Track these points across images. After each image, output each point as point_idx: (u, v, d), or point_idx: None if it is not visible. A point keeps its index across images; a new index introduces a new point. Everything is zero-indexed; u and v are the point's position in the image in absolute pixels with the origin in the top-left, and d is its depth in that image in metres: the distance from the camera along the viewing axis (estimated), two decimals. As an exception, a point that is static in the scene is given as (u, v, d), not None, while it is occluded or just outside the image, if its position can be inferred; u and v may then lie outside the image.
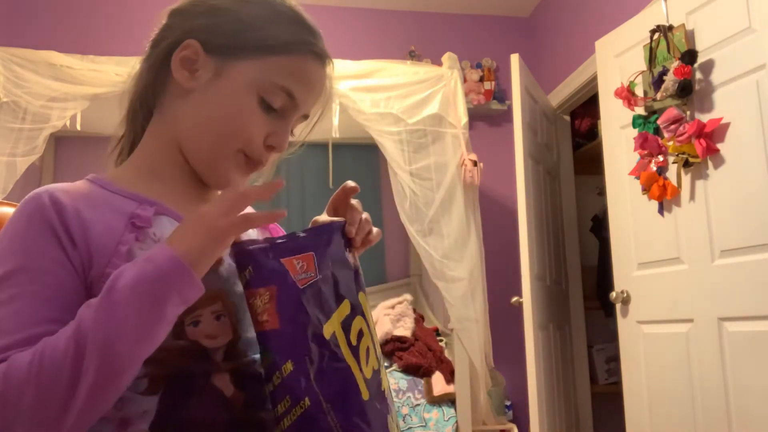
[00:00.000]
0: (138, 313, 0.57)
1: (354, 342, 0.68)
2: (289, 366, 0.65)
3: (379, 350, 0.72)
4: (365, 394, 0.66)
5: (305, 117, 0.80)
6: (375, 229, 0.77)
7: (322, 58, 0.76)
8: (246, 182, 0.79)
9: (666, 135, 2.15)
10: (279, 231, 0.87)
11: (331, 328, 0.67)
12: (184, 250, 0.60)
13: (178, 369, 0.66)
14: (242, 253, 0.68)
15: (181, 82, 0.73)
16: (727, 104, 1.97)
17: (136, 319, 0.57)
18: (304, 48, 0.74)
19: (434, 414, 2.62)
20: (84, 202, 0.68)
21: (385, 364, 2.76)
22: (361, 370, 0.67)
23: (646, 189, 2.23)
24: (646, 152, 2.22)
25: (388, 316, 3.04)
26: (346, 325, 0.68)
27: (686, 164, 2.07)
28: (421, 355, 2.80)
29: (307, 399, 0.64)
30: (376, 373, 0.69)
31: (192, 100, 0.74)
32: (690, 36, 2.09)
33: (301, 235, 0.69)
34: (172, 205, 0.74)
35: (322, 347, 0.66)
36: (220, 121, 0.73)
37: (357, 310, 0.69)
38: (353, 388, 0.66)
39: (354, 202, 0.75)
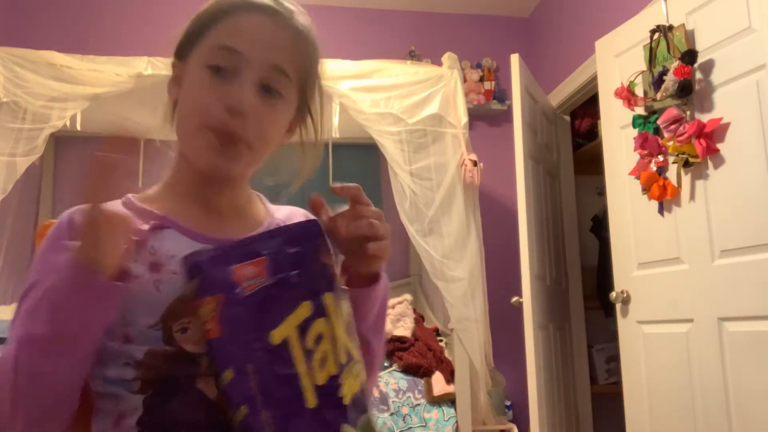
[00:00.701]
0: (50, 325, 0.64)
1: (310, 346, 0.67)
2: (228, 374, 0.65)
3: (344, 355, 0.68)
4: (311, 402, 0.65)
5: (278, 70, 0.75)
6: (382, 227, 0.74)
7: (252, 8, 0.76)
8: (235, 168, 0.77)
9: (666, 135, 2.15)
10: None
11: (282, 333, 0.66)
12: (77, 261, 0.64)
13: (166, 372, 0.70)
14: (191, 263, 0.68)
15: (174, 97, 0.81)
16: (727, 104, 1.97)
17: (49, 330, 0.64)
18: (231, 9, 0.76)
19: (434, 414, 2.62)
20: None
21: (385, 364, 2.76)
22: (311, 376, 0.66)
23: (646, 189, 2.24)
24: (646, 152, 2.22)
25: (388, 316, 3.04)
26: (303, 329, 0.67)
27: (686, 164, 2.07)
28: (421, 355, 2.80)
29: (243, 407, 0.65)
30: (334, 378, 0.67)
31: (178, 110, 0.81)
32: (690, 36, 2.09)
33: (258, 239, 0.70)
34: (185, 218, 0.77)
35: (266, 354, 0.65)
36: (183, 107, 0.78)
37: (319, 313, 0.68)
38: (297, 395, 0.65)
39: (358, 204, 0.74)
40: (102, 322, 0.67)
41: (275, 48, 0.75)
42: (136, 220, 0.73)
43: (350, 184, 0.73)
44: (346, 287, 0.73)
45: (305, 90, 0.81)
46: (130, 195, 0.80)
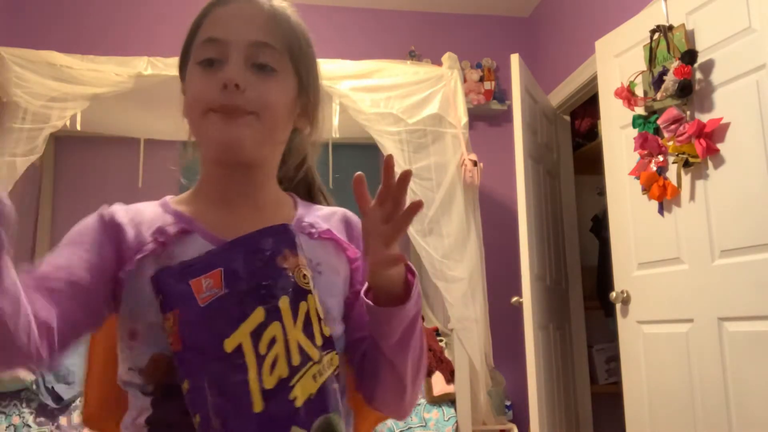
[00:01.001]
0: None
1: (263, 351, 0.68)
2: (185, 385, 0.68)
3: (297, 357, 0.68)
4: (258, 406, 0.66)
5: (261, 45, 0.77)
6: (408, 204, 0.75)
7: (228, 1, 0.80)
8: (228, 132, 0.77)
9: (666, 135, 2.15)
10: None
11: (236, 341, 0.68)
12: None
13: (166, 380, 0.73)
14: (155, 280, 0.71)
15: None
16: (727, 104, 1.97)
17: None
18: (209, 9, 0.81)
19: (434, 414, 2.62)
20: (133, 219, 0.79)
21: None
22: (261, 381, 0.67)
23: (646, 189, 2.24)
24: (646, 152, 2.22)
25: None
26: (256, 334, 0.68)
27: (686, 164, 2.07)
28: (421, 355, 2.79)
29: (197, 415, 0.67)
30: (284, 381, 0.67)
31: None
32: (690, 36, 2.09)
33: (218, 250, 0.72)
34: (211, 222, 0.80)
35: (219, 363, 0.67)
36: (187, 106, 0.80)
37: (274, 317, 0.69)
38: (246, 400, 0.66)
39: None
40: None
41: (254, 26, 0.78)
42: (166, 222, 0.78)
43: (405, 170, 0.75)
44: (371, 303, 0.75)
45: (299, 68, 0.81)
46: (167, 197, 0.85)
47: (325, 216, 0.86)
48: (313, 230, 0.82)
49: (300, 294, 0.71)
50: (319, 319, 0.72)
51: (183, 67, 0.84)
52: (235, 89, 0.74)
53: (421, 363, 0.81)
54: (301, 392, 0.67)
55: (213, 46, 0.77)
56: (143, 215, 0.80)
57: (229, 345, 0.68)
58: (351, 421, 0.83)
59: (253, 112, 0.75)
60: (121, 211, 0.80)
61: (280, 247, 0.72)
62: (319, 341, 0.71)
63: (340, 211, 0.88)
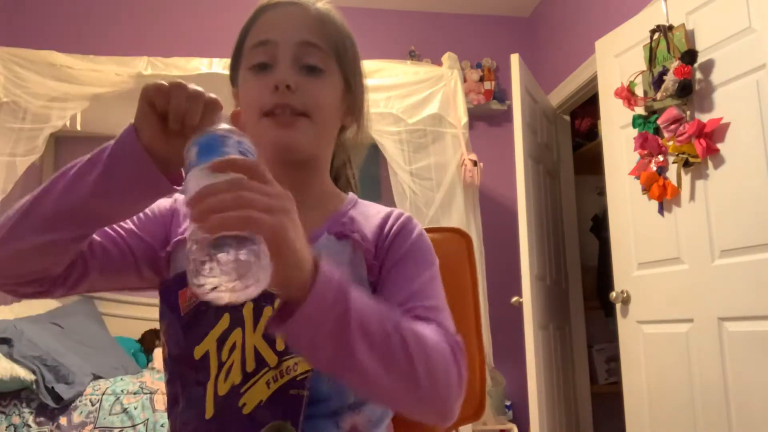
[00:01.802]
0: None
1: (224, 357, 0.68)
2: (167, 391, 0.73)
3: (252, 363, 0.67)
4: (209, 413, 0.66)
5: (309, 45, 0.79)
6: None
7: (274, 6, 0.83)
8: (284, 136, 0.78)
9: (666, 135, 2.15)
10: None
11: (203, 348, 0.69)
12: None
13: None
14: (159, 291, 0.75)
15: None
16: (727, 104, 1.97)
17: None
18: (257, 13, 0.84)
19: (434, 414, 2.62)
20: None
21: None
22: (216, 387, 0.67)
23: (646, 189, 2.24)
24: (646, 152, 2.22)
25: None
26: (221, 340, 0.69)
27: (686, 164, 2.07)
28: (421, 355, 2.79)
29: (176, 422, 0.71)
30: (236, 388, 0.66)
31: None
32: (690, 36, 2.09)
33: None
34: None
35: (191, 370, 0.69)
36: (245, 110, 0.81)
37: (237, 323, 0.69)
38: (202, 407, 0.67)
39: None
40: (119, 204, 0.66)
41: (302, 28, 0.80)
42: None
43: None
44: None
45: (345, 68, 0.84)
46: None
47: (369, 215, 0.85)
48: (339, 230, 0.82)
49: (266, 298, 0.68)
50: None
51: (234, 71, 0.86)
52: (287, 90, 0.76)
53: (410, 367, 0.63)
54: (250, 399, 0.66)
55: (263, 48, 0.79)
56: None
57: (198, 352, 0.69)
58: (385, 420, 0.80)
59: (305, 113, 0.78)
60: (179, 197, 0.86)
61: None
62: (280, 345, 0.69)
63: (393, 211, 0.87)
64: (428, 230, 1.03)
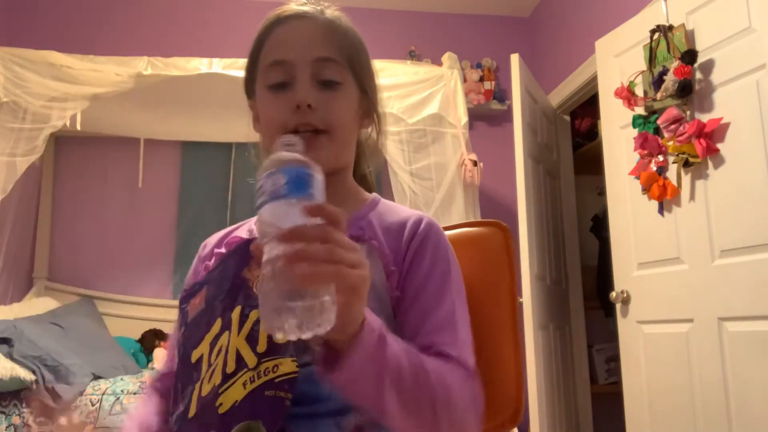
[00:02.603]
0: None
1: (213, 360, 0.71)
2: (174, 389, 0.77)
3: (233, 364, 0.68)
4: (192, 412, 0.69)
5: (325, 60, 0.81)
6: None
7: (285, 20, 0.84)
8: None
9: (666, 135, 2.15)
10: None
11: (199, 352, 0.72)
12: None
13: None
14: (179, 307, 0.81)
15: (258, 131, 0.89)
16: (727, 104, 1.96)
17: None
18: (269, 29, 0.84)
19: (434, 414, 2.62)
20: (222, 238, 0.92)
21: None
22: (200, 388, 0.70)
23: (646, 189, 2.23)
24: (646, 152, 2.22)
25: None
26: (213, 344, 0.72)
27: (686, 164, 2.07)
28: (421, 355, 2.79)
29: (171, 419, 0.74)
30: (216, 388, 0.68)
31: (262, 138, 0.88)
32: (690, 36, 2.08)
33: (210, 270, 0.80)
34: None
35: (188, 371, 0.73)
36: (264, 130, 0.85)
37: (226, 327, 0.71)
38: (189, 407, 0.71)
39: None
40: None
41: (314, 43, 0.82)
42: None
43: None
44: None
45: (359, 74, 0.85)
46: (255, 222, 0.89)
47: (389, 218, 0.85)
48: (356, 234, 0.81)
49: (254, 303, 0.71)
50: None
51: (249, 84, 0.88)
52: (308, 109, 0.78)
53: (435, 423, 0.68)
54: (226, 399, 0.67)
55: (280, 68, 0.81)
56: (235, 231, 0.91)
57: (195, 355, 0.72)
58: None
59: (325, 131, 0.80)
60: (217, 236, 0.93)
61: (245, 260, 0.75)
62: (262, 347, 0.70)
63: (413, 215, 0.86)
64: (464, 224, 1.00)
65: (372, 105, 0.89)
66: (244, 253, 0.76)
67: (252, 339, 0.70)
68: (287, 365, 0.69)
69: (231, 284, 0.74)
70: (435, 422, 0.68)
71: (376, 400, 0.63)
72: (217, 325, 0.72)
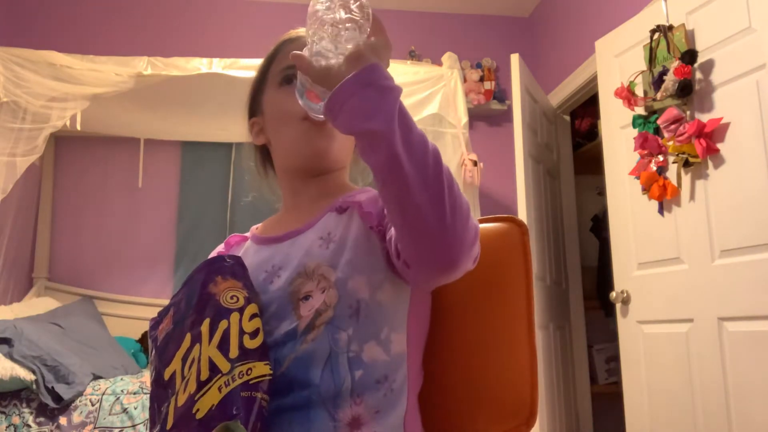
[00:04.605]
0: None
1: (186, 373, 0.73)
2: (149, 412, 0.80)
3: (206, 371, 0.71)
4: (169, 423, 0.71)
5: None
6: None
7: (298, 38, 0.91)
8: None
9: (666, 135, 2.15)
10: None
11: (172, 369, 0.75)
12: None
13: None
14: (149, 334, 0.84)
15: (263, 142, 0.95)
16: (727, 104, 1.97)
17: None
18: (281, 46, 0.92)
19: (434, 414, 2.62)
20: (229, 242, 0.99)
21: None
22: (176, 400, 0.72)
23: (646, 189, 2.24)
24: (646, 152, 2.22)
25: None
26: (185, 358, 0.74)
27: (686, 164, 2.07)
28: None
29: None
30: (191, 396, 0.70)
31: (272, 140, 0.94)
32: (690, 36, 2.09)
33: (177, 293, 0.82)
34: (270, 228, 0.93)
35: (163, 390, 0.75)
36: (279, 120, 0.90)
37: (196, 339, 0.74)
38: (167, 420, 0.73)
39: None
40: None
41: None
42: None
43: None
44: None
45: None
46: (253, 227, 0.97)
47: (374, 194, 0.87)
48: (340, 206, 0.86)
49: (222, 313, 0.74)
50: (243, 334, 0.73)
51: (255, 100, 0.95)
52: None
53: (439, 179, 0.68)
54: (203, 404, 0.69)
55: (293, 69, 0.86)
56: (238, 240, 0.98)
57: (167, 373, 0.75)
58: (396, 411, 0.76)
59: None
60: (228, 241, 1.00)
61: (211, 276, 0.78)
62: (234, 353, 0.72)
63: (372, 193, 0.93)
64: (479, 220, 0.95)
65: None
66: (209, 270, 0.79)
67: (223, 347, 0.72)
68: (260, 368, 0.71)
69: (198, 300, 0.76)
70: (441, 200, 0.66)
71: (385, 128, 0.66)
72: (187, 340, 0.74)
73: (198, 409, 0.69)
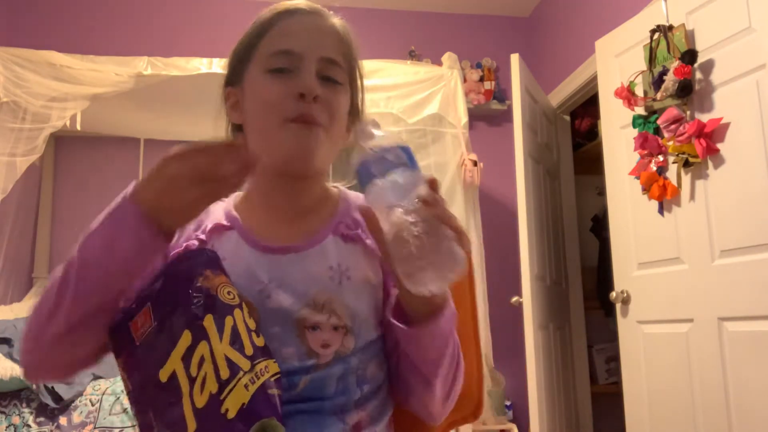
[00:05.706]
0: (99, 235, 0.70)
1: (194, 373, 0.69)
2: (137, 422, 0.73)
3: (226, 370, 0.69)
4: (191, 426, 0.68)
5: (330, 61, 0.81)
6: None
7: (294, 13, 0.83)
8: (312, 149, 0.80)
9: (666, 135, 2.15)
10: None
11: (169, 369, 0.70)
12: (137, 186, 0.69)
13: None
14: (108, 333, 0.76)
15: (237, 121, 0.86)
16: (727, 104, 1.97)
17: (99, 240, 0.70)
18: (275, 18, 0.83)
19: (434, 414, 2.62)
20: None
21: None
22: (192, 401, 0.68)
23: (646, 189, 2.24)
24: (646, 152, 2.22)
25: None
26: (187, 357, 0.70)
27: (686, 164, 2.07)
28: (421, 355, 2.79)
29: None
30: (214, 396, 0.68)
31: (246, 126, 0.84)
32: (690, 36, 2.09)
33: (148, 286, 0.75)
34: (253, 225, 0.84)
35: (159, 393, 0.70)
36: (258, 113, 0.82)
37: (200, 337, 0.70)
38: (182, 425, 0.68)
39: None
40: (128, 266, 0.71)
41: (326, 43, 0.82)
42: (218, 220, 0.84)
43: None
44: (400, 326, 0.76)
45: (354, 82, 0.87)
46: (227, 208, 0.87)
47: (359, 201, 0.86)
48: (347, 233, 0.83)
49: (225, 310, 0.72)
50: (250, 331, 0.72)
51: (237, 70, 0.85)
52: (312, 101, 0.78)
53: (456, 378, 0.81)
54: (232, 403, 0.67)
55: (286, 57, 0.79)
56: (210, 213, 0.85)
57: (164, 374, 0.70)
58: (385, 417, 0.82)
59: (322, 125, 0.79)
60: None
61: (198, 269, 0.74)
62: (249, 351, 0.71)
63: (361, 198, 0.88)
64: None
65: (357, 114, 0.89)
66: (194, 262, 0.74)
67: (236, 344, 0.71)
68: (273, 366, 0.72)
69: (190, 294, 0.73)
70: (454, 379, 0.81)
71: (438, 353, 0.77)
72: (186, 337, 0.70)
73: (227, 409, 0.67)
